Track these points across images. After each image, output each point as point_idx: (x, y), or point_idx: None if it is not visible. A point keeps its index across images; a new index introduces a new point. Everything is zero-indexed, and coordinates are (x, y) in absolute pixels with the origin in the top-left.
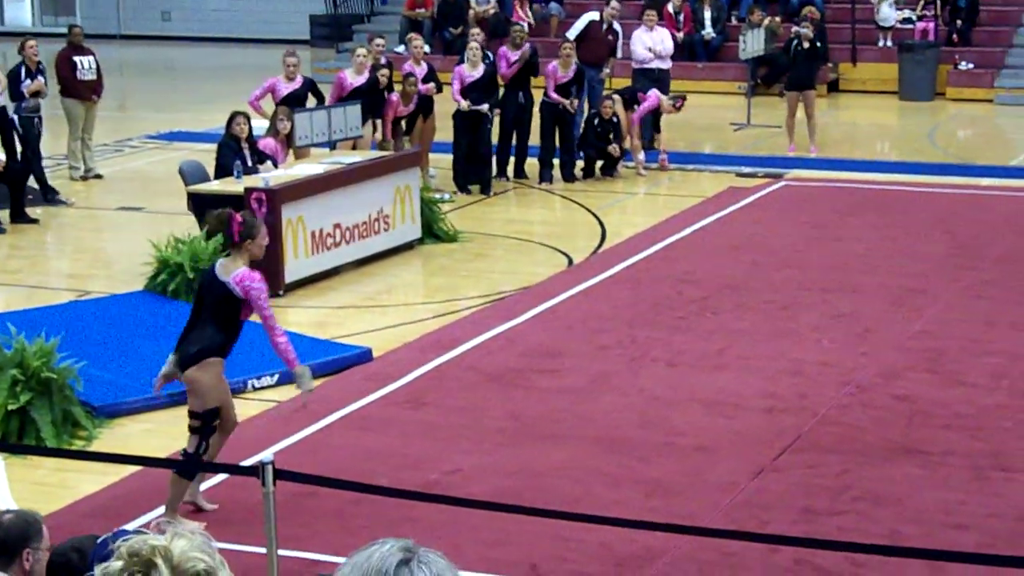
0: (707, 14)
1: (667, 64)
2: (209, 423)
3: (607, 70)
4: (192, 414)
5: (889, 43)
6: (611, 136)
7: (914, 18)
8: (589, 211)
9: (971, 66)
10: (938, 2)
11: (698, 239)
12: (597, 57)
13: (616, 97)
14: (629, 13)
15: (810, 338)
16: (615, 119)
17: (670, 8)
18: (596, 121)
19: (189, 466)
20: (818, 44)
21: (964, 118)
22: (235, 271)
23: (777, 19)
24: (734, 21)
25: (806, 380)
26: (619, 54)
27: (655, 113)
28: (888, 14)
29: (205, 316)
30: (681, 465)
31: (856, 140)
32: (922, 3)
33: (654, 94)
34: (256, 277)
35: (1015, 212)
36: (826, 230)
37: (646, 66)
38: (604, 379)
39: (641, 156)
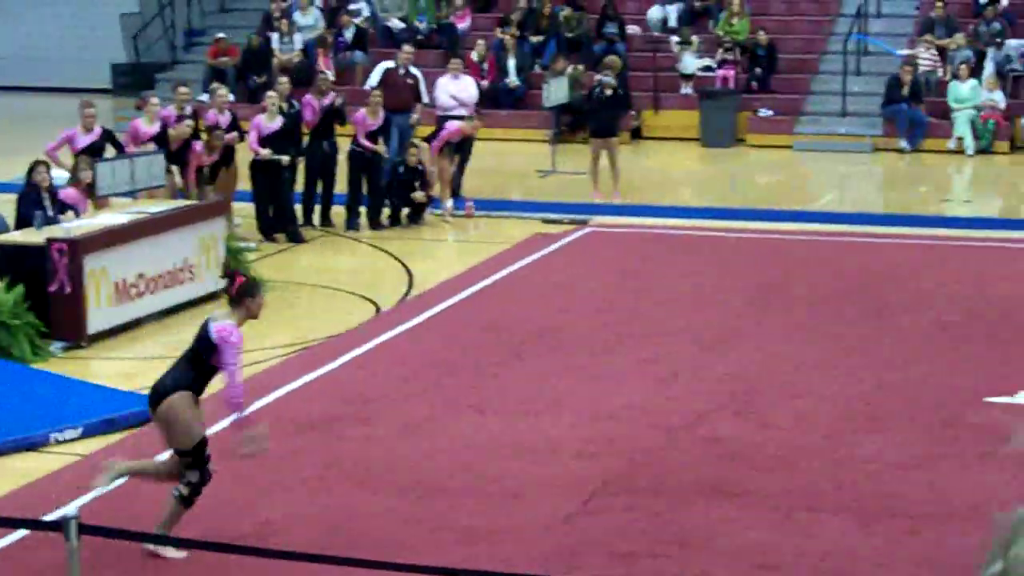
0: (511, 62)
1: (472, 112)
2: (201, 454)
3: (416, 116)
4: (180, 452)
5: (690, 91)
6: (417, 183)
7: (715, 66)
8: (396, 259)
9: (771, 113)
10: (738, 50)
11: (506, 285)
12: (401, 103)
13: (422, 144)
14: (430, 61)
15: (619, 382)
16: (420, 166)
17: (474, 56)
18: (402, 168)
19: (193, 496)
20: (620, 92)
21: (765, 164)
22: (221, 322)
23: (580, 67)
24: (538, 69)
25: (616, 424)
26: (424, 98)
27: (462, 158)
28: (689, 62)
29: (182, 358)
30: (495, 511)
31: (659, 186)
32: (722, 51)
33: (452, 124)
34: (235, 332)
35: (816, 256)
36: (632, 275)
37: (450, 113)
38: (415, 426)
39: (449, 203)
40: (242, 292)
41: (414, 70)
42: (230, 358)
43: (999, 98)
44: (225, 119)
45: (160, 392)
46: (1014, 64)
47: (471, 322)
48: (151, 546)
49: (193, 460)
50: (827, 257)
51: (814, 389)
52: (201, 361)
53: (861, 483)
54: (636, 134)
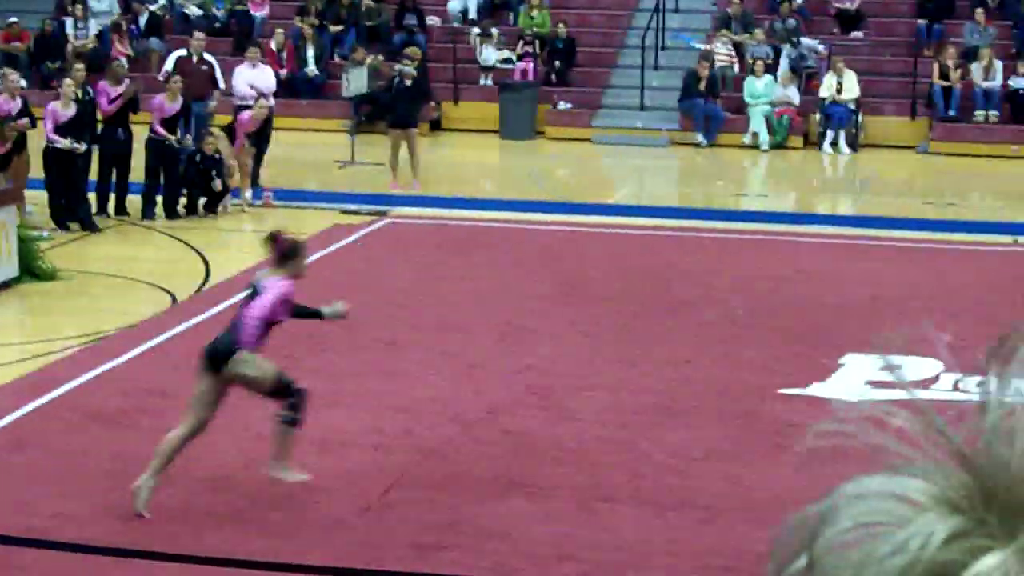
0: (310, 52)
1: (270, 101)
2: (286, 383)
3: (213, 103)
4: (269, 395)
5: (490, 83)
6: (214, 172)
7: (514, 58)
8: (193, 249)
9: (569, 106)
10: (537, 43)
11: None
12: (196, 91)
13: (219, 133)
14: (226, 49)
15: (418, 375)
16: (218, 155)
17: (272, 45)
18: (199, 157)
19: (297, 416)
20: (420, 83)
21: (563, 157)
22: (272, 277)
23: (380, 57)
24: (337, 59)
25: (414, 417)
26: (220, 85)
27: (259, 147)
28: (489, 54)
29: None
30: (289, 504)
31: (459, 178)
32: (521, 44)
33: (244, 115)
34: (282, 286)
35: (614, 249)
36: (432, 267)
37: (248, 103)
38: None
39: (247, 193)
40: (286, 254)
41: (208, 57)
42: (265, 302)
43: (793, 94)
44: (16, 105)
45: (220, 354)
46: (808, 61)
47: None
48: (279, 473)
49: (283, 391)
50: (625, 251)
51: (612, 382)
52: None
53: (658, 475)
54: (436, 125)
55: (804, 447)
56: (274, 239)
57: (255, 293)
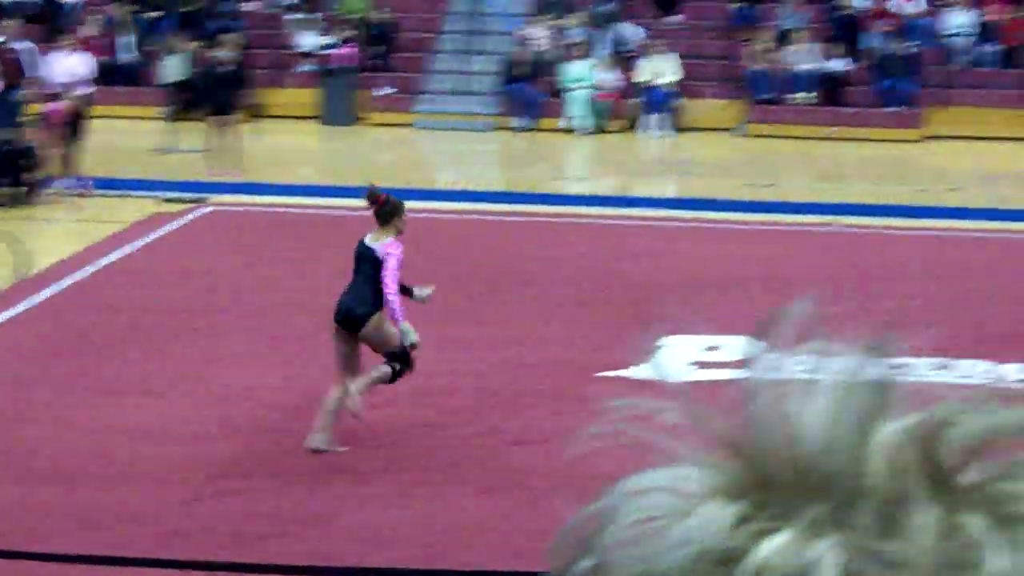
0: (126, 38)
1: (87, 88)
2: (406, 352)
3: (24, 92)
4: (389, 355)
5: (309, 68)
6: (29, 161)
7: (334, 44)
8: (8, 239)
9: (390, 91)
10: (360, 28)
11: (124, 266)
12: (8, 79)
13: (32, 121)
14: (40, 36)
15: (238, 363)
16: (32, 144)
17: (88, 31)
18: (12, 146)
19: (397, 377)
20: (238, 69)
21: (385, 142)
22: (383, 241)
23: (197, 44)
24: (154, 46)
25: (234, 405)
26: (32, 72)
27: (75, 136)
28: (307, 40)
29: (361, 280)
30: (111, 495)
31: (279, 164)
32: (342, 29)
33: (52, 105)
34: (396, 246)
35: (436, 234)
36: (253, 254)
37: (62, 90)
38: (28, 410)
39: (63, 182)
40: (390, 212)
41: (20, 44)
42: (390, 269)
43: (612, 78)
44: None
45: (359, 316)
46: (627, 45)
47: (88, 304)
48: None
49: (400, 355)
50: (446, 235)
51: (432, 366)
52: (378, 280)
53: (479, 458)
54: (255, 112)
55: (575, 448)
56: (375, 198)
57: (370, 257)
